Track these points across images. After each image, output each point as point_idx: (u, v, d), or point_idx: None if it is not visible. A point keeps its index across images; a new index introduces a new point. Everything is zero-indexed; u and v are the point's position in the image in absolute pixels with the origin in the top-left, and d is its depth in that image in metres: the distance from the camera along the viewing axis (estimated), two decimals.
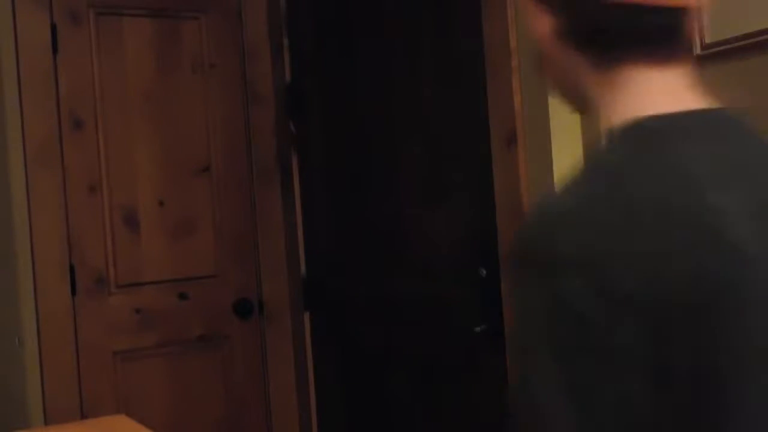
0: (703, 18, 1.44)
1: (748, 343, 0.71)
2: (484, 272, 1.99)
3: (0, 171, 2.49)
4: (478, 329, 2.00)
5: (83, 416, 2.50)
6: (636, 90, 0.80)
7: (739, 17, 1.40)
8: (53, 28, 2.53)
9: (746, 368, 0.70)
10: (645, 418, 0.69)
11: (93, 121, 2.58)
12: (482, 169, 1.98)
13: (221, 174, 2.76)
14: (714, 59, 1.45)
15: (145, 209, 2.65)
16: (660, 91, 0.79)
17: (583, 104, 0.87)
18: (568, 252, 0.71)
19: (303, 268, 2.80)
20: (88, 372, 2.55)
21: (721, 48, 1.43)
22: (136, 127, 2.64)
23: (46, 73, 2.51)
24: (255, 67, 2.82)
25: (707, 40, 1.45)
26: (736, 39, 1.41)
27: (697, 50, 1.46)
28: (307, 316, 2.78)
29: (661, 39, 0.79)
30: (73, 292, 2.54)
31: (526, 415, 0.72)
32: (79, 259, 2.55)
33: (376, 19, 2.41)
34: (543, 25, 0.84)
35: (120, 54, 2.63)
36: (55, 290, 2.51)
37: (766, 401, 0.71)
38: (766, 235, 0.73)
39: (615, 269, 0.69)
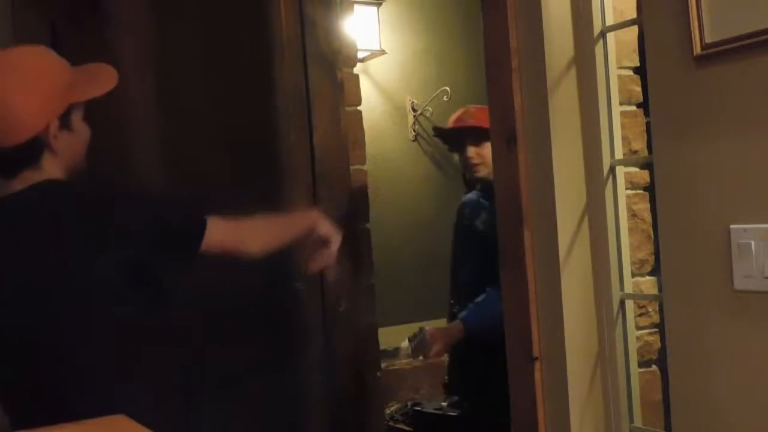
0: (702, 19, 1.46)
1: None
2: None
3: None
4: None
5: None
6: None
7: (739, 17, 1.41)
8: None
9: None
10: None
11: None
12: None
13: None
14: (714, 59, 1.46)
15: None
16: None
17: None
18: None
19: None
20: None
21: (721, 48, 1.44)
22: None
23: None
24: None
25: (707, 40, 1.45)
26: (736, 39, 1.41)
27: (697, 50, 1.47)
28: None
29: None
30: None
31: None
32: None
33: None
34: None
35: None
36: None
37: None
38: None
39: None
